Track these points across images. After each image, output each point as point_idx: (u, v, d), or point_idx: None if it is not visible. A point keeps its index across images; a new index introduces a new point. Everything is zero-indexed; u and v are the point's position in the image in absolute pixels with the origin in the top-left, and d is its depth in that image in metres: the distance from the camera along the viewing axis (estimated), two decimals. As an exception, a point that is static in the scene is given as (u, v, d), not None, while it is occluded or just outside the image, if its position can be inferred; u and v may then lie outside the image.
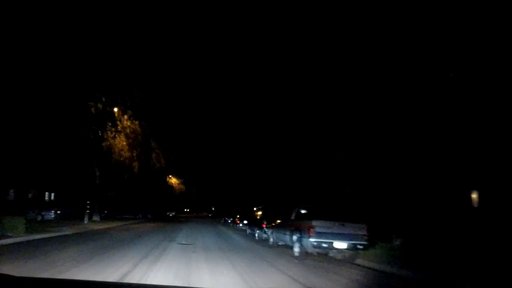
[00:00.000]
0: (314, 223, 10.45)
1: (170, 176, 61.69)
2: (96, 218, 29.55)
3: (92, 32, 20.77)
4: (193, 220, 52.87)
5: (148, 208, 48.71)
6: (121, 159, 26.37)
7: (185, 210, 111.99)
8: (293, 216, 12.67)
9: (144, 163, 29.64)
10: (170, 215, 68.96)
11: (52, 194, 36.83)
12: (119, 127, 25.21)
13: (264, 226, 17.35)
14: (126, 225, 27.51)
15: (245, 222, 28.08)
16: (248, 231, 22.29)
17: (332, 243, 10.25)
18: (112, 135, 24.99)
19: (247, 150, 41.53)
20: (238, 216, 30.51)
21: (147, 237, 16.73)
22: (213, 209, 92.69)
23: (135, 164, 27.88)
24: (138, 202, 45.29)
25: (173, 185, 66.15)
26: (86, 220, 24.63)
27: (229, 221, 40.32)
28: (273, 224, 15.15)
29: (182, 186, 70.62)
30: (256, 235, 19.23)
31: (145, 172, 31.63)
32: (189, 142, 53.55)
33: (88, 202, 25.84)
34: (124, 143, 26.19)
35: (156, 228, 24.95)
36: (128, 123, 25.57)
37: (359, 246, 10.42)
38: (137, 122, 26.14)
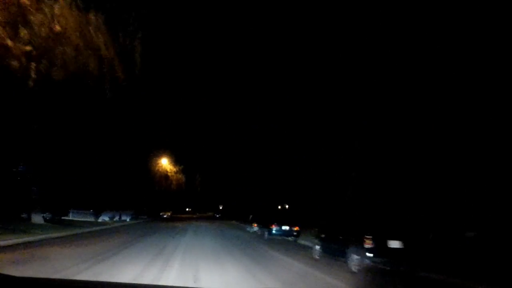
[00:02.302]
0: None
1: (162, 156, 41.96)
2: None
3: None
4: (196, 224, 33.09)
5: (131, 205, 36.18)
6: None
7: (187, 209, 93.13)
8: None
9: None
10: (165, 215, 51.60)
11: None
12: None
13: None
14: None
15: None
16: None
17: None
18: None
19: (269, 132, 33.46)
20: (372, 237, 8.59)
21: None
22: (221, 208, 73.50)
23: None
24: (113, 197, 30.51)
25: (168, 173, 46.52)
26: None
27: (274, 232, 19.63)
28: None
29: (180, 176, 50.88)
30: None
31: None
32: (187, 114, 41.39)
33: None
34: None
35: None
36: None
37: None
38: None
